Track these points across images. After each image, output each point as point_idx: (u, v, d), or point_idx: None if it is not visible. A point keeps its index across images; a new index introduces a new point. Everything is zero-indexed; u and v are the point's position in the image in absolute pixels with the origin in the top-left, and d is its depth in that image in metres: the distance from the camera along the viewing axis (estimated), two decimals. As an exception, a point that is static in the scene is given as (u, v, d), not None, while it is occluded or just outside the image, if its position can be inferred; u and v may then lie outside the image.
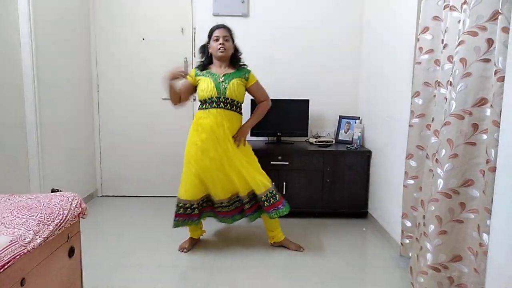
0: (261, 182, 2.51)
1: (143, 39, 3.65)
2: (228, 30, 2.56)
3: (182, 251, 2.64)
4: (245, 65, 2.65)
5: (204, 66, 2.59)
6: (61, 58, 3.16)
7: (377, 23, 3.20)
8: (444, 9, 1.97)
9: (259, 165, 2.62)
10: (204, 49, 2.62)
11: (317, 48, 3.60)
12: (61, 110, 3.17)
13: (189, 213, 2.55)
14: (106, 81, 3.72)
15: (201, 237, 2.82)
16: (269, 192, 2.52)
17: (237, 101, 2.55)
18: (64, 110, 3.23)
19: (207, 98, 2.49)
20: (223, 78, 2.51)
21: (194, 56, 3.64)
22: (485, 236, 1.56)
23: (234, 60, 2.59)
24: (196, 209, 2.56)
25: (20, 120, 2.73)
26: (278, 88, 3.57)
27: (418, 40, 2.18)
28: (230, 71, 2.56)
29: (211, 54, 2.58)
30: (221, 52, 2.50)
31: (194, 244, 2.72)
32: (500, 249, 1.41)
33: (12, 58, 2.65)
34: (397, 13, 2.75)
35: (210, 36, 2.57)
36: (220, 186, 2.52)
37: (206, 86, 2.49)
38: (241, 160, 2.52)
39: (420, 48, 2.15)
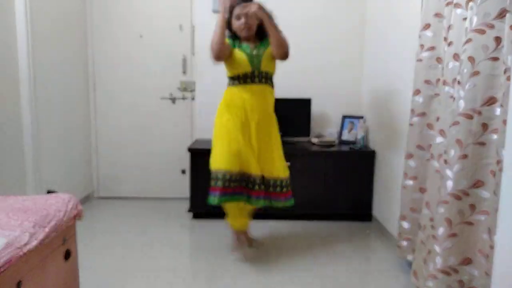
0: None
1: (141, 36, 3.59)
2: (258, 4, 2.30)
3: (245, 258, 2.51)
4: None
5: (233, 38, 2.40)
6: (57, 58, 3.11)
7: (379, 21, 3.18)
8: (446, 5, 1.95)
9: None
10: (229, 24, 2.37)
11: (319, 47, 3.56)
12: (57, 110, 3.13)
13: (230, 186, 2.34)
14: (103, 80, 3.67)
15: (201, 239, 2.78)
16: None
17: (271, 74, 2.42)
18: (60, 110, 3.18)
19: (241, 74, 2.34)
20: (256, 51, 2.35)
21: (193, 54, 3.60)
22: (495, 238, 1.53)
23: (260, 35, 2.39)
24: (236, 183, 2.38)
25: (16, 120, 2.69)
26: (279, 87, 3.51)
27: (419, 37, 2.15)
28: (258, 43, 2.38)
29: (234, 33, 2.39)
30: (245, 31, 2.32)
31: (250, 242, 2.63)
32: (506, 251, 1.39)
33: (8, 57, 2.60)
34: (400, 10, 2.72)
35: (231, 13, 2.34)
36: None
37: (240, 58, 2.32)
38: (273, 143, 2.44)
39: (421, 46, 2.12)
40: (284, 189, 2.43)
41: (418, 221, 2.14)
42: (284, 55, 2.37)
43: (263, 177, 2.41)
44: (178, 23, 3.57)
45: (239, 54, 2.33)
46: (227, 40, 2.35)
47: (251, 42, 2.39)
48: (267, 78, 2.39)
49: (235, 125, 2.36)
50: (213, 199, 2.35)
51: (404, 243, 2.31)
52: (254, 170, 2.37)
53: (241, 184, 2.40)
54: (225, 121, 2.39)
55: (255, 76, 2.35)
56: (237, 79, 2.37)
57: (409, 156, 2.24)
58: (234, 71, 2.37)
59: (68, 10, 3.28)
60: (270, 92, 2.45)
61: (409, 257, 2.27)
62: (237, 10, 2.31)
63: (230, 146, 2.34)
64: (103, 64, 3.64)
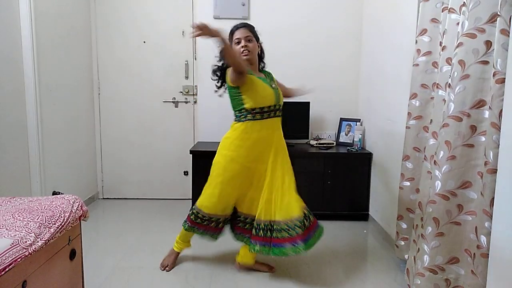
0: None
1: (144, 42, 3.66)
2: (250, 28, 2.24)
3: (164, 269, 2.44)
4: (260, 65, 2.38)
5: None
6: (62, 61, 3.18)
7: (377, 25, 3.21)
8: (442, 11, 1.99)
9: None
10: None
11: (317, 51, 3.61)
12: (62, 113, 3.19)
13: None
14: (107, 84, 3.74)
15: (202, 240, 2.81)
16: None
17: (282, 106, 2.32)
18: (65, 113, 3.25)
19: (265, 107, 2.18)
20: (271, 83, 2.25)
21: (195, 59, 3.66)
22: (483, 238, 1.56)
23: (259, 61, 2.31)
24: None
25: (21, 123, 2.74)
26: (278, 90, 3.59)
27: (416, 42, 2.18)
28: (262, 75, 2.29)
29: None
30: (246, 55, 2.18)
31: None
32: (501, 252, 1.41)
33: (13, 61, 2.66)
34: (397, 15, 2.75)
35: (231, 39, 2.23)
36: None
37: (264, 92, 2.17)
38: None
39: (418, 50, 2.16)
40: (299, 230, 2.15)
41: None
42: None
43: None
44: (181, 29, 3.64)
45: (263, 86, 2.19)
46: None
47: (256, 71, 2.27)
48: (280, 111, 2.29)
49: (247, 172, 2.25)
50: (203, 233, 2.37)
51: (402, 242, 2.35)
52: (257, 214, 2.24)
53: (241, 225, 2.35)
54: (233, 167, 2.24)
55: (276, 110, 2.24)
56: (260, 113, 2.18)
57: (406, 157, 2.28)
58: (256, 102, 2.17)
59: (73, 15, 3.35)
60: (280, 123, 2.32)
61: (406, 256, 2.30)
62: (236, 35, 2.21)
63: (232, 194, 2.27)
64: (107, 69, 3.71)
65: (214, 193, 2.28)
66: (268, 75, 2.36)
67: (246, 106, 2.18)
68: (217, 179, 2.28)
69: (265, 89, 2.18)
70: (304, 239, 2.13)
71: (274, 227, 2.19)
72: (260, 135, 2.20)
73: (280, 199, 2.21)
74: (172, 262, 2.46)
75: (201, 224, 2.33)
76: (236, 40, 2.20)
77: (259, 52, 2.31)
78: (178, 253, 2.52)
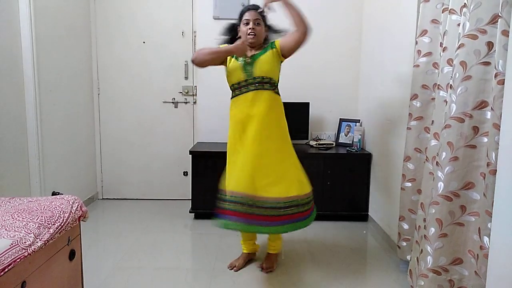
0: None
1: (144, 42, 3.66)
2: (260, 11, 2.25)
3: (232, 269, 2.42)
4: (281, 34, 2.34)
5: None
6: (62, 61, 3.17)
7: (376, 26, 3.21)
8: (443, 12, 1.98)
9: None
10: (233, 29, 2.33)
11: (317, 51, 3.60)
12: (61, 113, 3.18)
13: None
14: (106, 84, 3.73)
15: (202, 240, 2.82)
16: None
17: (269, 78, 2.22)
18: (65, 113, 3.24)
19: (235, 84, 2.24)
20: (250, 59, 2.22)
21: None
22: (486, 239, 1.56)
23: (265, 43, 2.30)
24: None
25: (21, 123, 2.73)
26: (280, 91, 3.58)
27: (416, 43, 2.18)
28: (259, 50, 2.27)
29: (239, 37, 2.28)
30: (251, 37, 2.20)
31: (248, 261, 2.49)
32: (501, 252, 1.41)
33: (13, 61, 2.65)
34: (397, 16, 2.75)
35: (240, 19, 2.27)
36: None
37: (232, 67, 2.23)
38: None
39: (419, 51, 2.16)
40: (303, 208, 2.18)
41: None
42: (306, 30, 2.20)
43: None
44: (180, 30, 3.63)
45: (233, 63, 2.25)
46: (225, 45, 2.26)
47: (254, 50, 2.27)
48: (263, 83, 2.21)
49: (233, 146, 2.25)
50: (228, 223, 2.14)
51: (404, 243, 2.35)
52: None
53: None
54: (228, 144, 2.30)
55: (253, 83, 2.21)
56: (233, 90, 2.28)
57: (408, 158, 2.27)
58: (228, 80, 2.30)
59: (73, 15, 3.34)
60: (268, 96, 2.22)
61: (408, 257, 2.30)
62: (245, 16, 2.24)
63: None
64: (107, 69, 3.70)
65: (225, 171, 2.28)
66: (264, 49, 2.27)
67: (228, 84, 2.32)
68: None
69: (233, 67, 2.24)
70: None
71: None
72: (239, 110, 2.23)
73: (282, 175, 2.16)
74: (240, 263, 2.45)
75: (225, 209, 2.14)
76: (245, 21, 2.23)
77: (266, 36, 2.31)
78: (247, 253, 2.49)
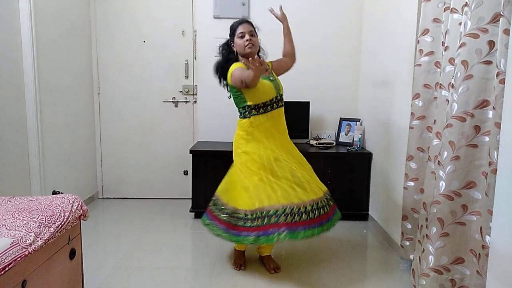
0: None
1: (144, 41, 3.65)
2: (252, 24, 2.34)
3: (239, 269, 2.41)
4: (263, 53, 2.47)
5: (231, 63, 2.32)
6: (62, 60, 3.17)
7: (377, 25, 3.20)
8: (444, 11, 1.98)
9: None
10: (227, 47, 2.37)
11: (317, 50, 3.60)
12: (62, 113, 3.18)
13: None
14: (107, 84, 3.72)
15: (202, 239, 2.81)
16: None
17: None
18: (65, 112, 3.23)
19: (267, 101, 2.26)
20: (271, 76, 2.33)
21: (195, 59, 3.65)
22: (487, 238, 1.56)
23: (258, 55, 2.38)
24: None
25: (21, 122, 2.73)
26: (278, 90, 3.58)
27: (418, 42, 2.18)
28: None
29: (237, 52, 2.34)
30: (250, 48, 2.26)
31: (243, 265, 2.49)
32: (501, 251, 1.41)
33: (13, 61, 2.65)
34: (397, 15, 2.75)
35: (233, 34, 2.33)
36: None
37: (267, 86, 2.26)
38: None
39: (420, 50, 2.16)
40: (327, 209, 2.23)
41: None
42: (295, 61, 2.51)
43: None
44: (181, 29, 3.63)
45: (262, 82, 2.24)
46: (242, 63, 2.29)
47: None
48: (282, 100, 2.37)
49: (267, 159, 2.24)
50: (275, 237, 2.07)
51: (407, 243, 2.35)
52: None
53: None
54: (261, 151, 2.26)
55: (278, 101, 2.32)
56: (261, 107, 2.27)
57: (410, 158, 2.27)
58: (259, 99, 2.25)
59: (73, 14, 3.34)
60: (283, 112, 2.40)
61: (412, 257, 2.29)
62: (239, 29, 2.29)
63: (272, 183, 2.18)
64: (107, 68, 3.70)
65: (247, 188, 2.22)
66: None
67: (249, 103, 2.28)
68: (248, 174, 2.25)
69: (264, 85, 2.25)
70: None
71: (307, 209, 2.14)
72: (265, 126, 2.28)
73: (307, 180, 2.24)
74: (244, 261, 2.45)
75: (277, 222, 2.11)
76: (240, 34, 2.29)
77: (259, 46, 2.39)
78: (243, 251, 2.48)
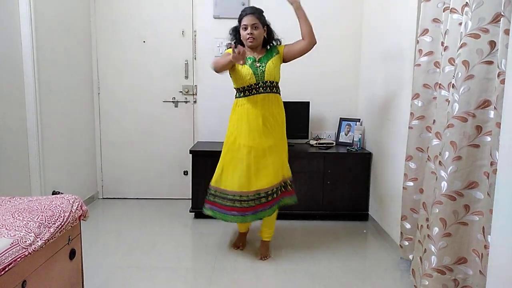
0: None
1: (144, 41, 3.65)
2: (258, 15, 2.39)
3: (239, 249, 2.67)
4: (277, 40, 2.54)
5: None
6: (62, 61, 3.16)
7: (376, 25, 3.21)
8: (444, 11, 1.98)
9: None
10: (235, 32, 2.49)
11: (317, 50, 3.56)
12: (62, 113, 3.17)
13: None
14: (106, 84, 3.72)
15: (202, 239, 2.81)
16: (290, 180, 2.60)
17: (276, 82, 2.47)
18: (65, 112, 3.23)
19: (246, 86, 2.42)
20: (259, 63, 2.42)
21: (195, 59, 3.65)
22: (490, 238, 1.55)
23: (265, 44, 2.50)
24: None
25: (21, 122, 2.72)
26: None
27: (417, 42, 2.18)
28: (263, 53, 2.47)
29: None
30: (251, 42, 2.39)
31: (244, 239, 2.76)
32: (501, 250, 1.41)
33: (13, 62, 2.64)
34: (396, 15, 2.75)
35: (239, 22, 2.43)
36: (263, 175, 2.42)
37: (244, 72, 2.39)
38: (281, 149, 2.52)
39: (420, 50, 2.16)
40: (289, 188, 2.59)
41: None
42: (314, 42, 2.51)
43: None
44: (181, 29, 3.62)
45: (244, 68, 2.39)
46: (230, 51, 2.33)
47: (256, 53, 2.46)
48: (271, 87, 2.44)
49: (245, 142, 2.40)
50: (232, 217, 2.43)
51: (406, 243, 2.34)
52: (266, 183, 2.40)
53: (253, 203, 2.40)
54: (235, 140, 2.44)
55: (263, 87, 2.42)
56: (242, 91, 2.44)
57: (409, 158, 2.27)
58: (239, 83, 2.44)
59: (73, 15, 3.33)
60: (275, 98, 2.47)
61: (411, 257, 2.29)
62: (243, 21, 2.38)
63: (242, 167, 2.39)
64: (107, 69, 3.69)
65: (218, 166, 2.52)
66: (272, 50, 2.49)
67: (234, 86, 2.51)
68: (222, 153, 2.52)
69: (241, 71, 2.40)
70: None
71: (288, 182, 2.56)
72: (246, 109, 2.42)
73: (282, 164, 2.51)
74: (243, 242, 2.71)
75: (213, 201, 2.50)
76: (244, 26, 2.39)
77: (265, 35, 2.46)
78: (244, 232, 2.74)
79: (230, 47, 2.34)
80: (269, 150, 2.42)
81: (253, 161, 2.39)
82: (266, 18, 2.48)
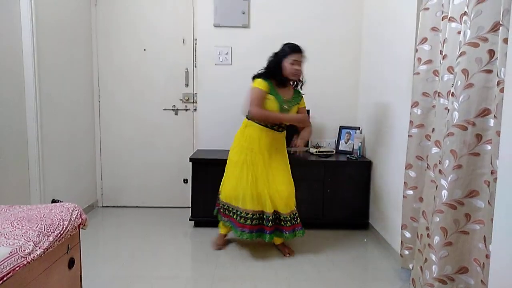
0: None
1: (145, 49, 3.66)
2: (304, 54, 2.59)
3: (218, 249, 2.80)
4: (298, 84, 2.71)
5: (271, 79, 2.59)
6: (63, 69, 3.17)
7: (376, 34, 3.22)
8: (442, 20, 1.99)
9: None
10: (276, 63, 2.59)
11: (317, 59, 3.61)
12: (62, 121, 3.17)
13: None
14: (107, 92, 3.73)
15: (202, 248, 2.81)
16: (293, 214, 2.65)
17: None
18: (65, 120, 3.23)
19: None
20: (286, 105, 2.61)
21: (195, 67, 3.66)
22: (491, 247, 1.54)
23: (297, 82, 2.67)
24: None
25: (21, 130, 2.72)
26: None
27: (417, 50, 2.19)
28: (291, 94, 2.65)
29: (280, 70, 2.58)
30: (296, 77, 2.59)
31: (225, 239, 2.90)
32: (502, 260, 1.40)
33: (14, 70, 2.65)
34: (396, 23, 2.77)
35: (284, 55, 2.56)
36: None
37: (271, 108, 2.56)
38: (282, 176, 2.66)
39: (419, 59, 2.17)
40: (297, 220, 2.68)
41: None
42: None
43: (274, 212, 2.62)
44: (181, 37, 3.64)
45: (273, 103, 2.56)
46: (267, 83, 2.55)
47: (287, 91, 2.64)
48: (283, 127, 2.67)
49: (252, 164, 2.60)
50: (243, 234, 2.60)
51: (406, 252, 2.33)
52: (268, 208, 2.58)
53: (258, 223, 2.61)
54: (243, 159, 2.62)
55: (279, 126, 2.63)
56: (264, 121, 2.60)
57: (409, 166, 2.27)
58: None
59: (74, 23, 3.35)
60: (284, 136, 2.72)
61: (411, 266, 2.28)
62: (294, 56, 2.53)
63: (251, 186, 2.59)
64: (107, 77, 3.70)
65: (240, 188, 2.64)
66: (297, 96, 2.69)
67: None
68: (234, 171, 2.68)
69: (273, 107, 2.55)
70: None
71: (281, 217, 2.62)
72: (256, 136, 2.60)
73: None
74: (222, 242, 2.85)
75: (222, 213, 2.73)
76: (293, 61, 2.54)
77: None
78: (224, 234, 2.86)
79: (259, 77, 2.58)
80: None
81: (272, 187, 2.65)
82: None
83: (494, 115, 1.58)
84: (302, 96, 2.73)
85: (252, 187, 2.55)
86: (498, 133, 1.53)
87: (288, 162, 2.75)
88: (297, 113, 2.70)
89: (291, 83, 2.66)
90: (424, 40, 2.13)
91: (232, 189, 2.62)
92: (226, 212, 2.71)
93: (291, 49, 2.54)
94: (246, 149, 2.61)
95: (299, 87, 2.72)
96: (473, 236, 1.72)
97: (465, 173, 1.70)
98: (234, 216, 2.63)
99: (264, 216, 2.58)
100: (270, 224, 2.55)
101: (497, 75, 1.56)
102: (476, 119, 1.68)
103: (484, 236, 1.62)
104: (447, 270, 1.77)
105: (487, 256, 1.58)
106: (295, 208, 2.66)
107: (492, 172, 1.56)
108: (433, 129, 1.98)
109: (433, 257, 1.81)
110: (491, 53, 1.64)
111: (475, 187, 1.70)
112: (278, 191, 2.58)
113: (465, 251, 1.74)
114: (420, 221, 2.03)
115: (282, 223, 2.60)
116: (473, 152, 1.69)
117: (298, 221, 2.64)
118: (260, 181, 2.57)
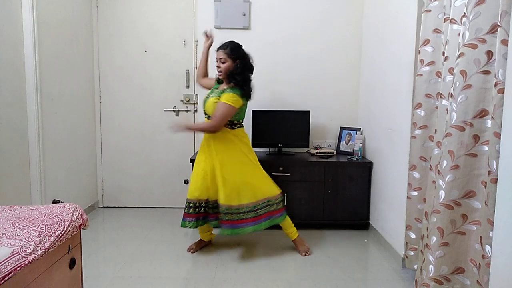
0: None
1: (146, 51, 3.68)
2: (228, 50, 2.55)
3: (189, 252, 2.80)
4: (239, 83, 2.55)
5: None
6: (64, 70, 3.19)
7: (377, 35, 3.23)
8: (444, 22, 2.00)
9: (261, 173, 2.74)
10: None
11: (318, 60, 3.63)
12: (63, 122, 3.19)
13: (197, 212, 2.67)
14: (108, 93, 3.75)
15: (203, 249, 2.81)
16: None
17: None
18: (66, 121, 3.25)
19: (243, 118, 2.73)
20: (208, 94, 2.69)
21: (196, 68, 3.67)
22: (487, 248, 1.55)
23: (229, 78, 2.57)
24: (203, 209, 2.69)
25: (22, 131, 2.74)
26: (279, 99, 3.60)
27: (419, 52, 2.19)
28: (223, 88, 2.62)
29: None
30: (218, 73, 2.62)
31: (202, 246, 2.88)
32: (503, 261, 1.40)
33: (15, 70, 2.67)
34: (397, 25, 2.77)
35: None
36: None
37: (243, 108, 2.65)
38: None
39: (421, 60, 2.17)
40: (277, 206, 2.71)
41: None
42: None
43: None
44: (182, 39, 3.66)
45: (244, 106, 2.63)
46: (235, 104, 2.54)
47: (223, 87, 2.64)
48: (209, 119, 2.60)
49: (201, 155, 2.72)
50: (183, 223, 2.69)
51: (411, 253, 2.33)
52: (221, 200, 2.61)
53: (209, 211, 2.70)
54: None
55: (207, 117, 2.66)
56: (238, 123, 2.68)
57: (413, 167, 2.27)
58: (240, 117, 2.67)
59: (75, 24, 3.36)
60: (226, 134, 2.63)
61: (415, 267, 2.29)
62: (216, 54, 2.61)
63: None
64: (109, 78, 3.72)
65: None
66: (221, 91, 2.59)
67: (237, 119, 2.65)
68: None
69: (244, 107, 2.63)
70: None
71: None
72: (246, 138, 2.74)
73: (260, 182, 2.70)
74: (196, 246, 2.85)
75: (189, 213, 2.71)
76: (216, 58, 2.61)
77: (233, 70, 2.56)
78: (204, 241, 2.89)
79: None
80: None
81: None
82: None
83: (492, 116, 1.58)
84: (228, 93, 2.50)
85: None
86: (496, 134, 1.53)
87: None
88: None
89: (227, 80, 2.59)
90: (427, 42, 2.14)
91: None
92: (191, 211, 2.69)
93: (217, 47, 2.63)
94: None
95: (232, 83, 2.57)
96: (469, 236, 1.72)
97: (462, 174, 1.71)
98: (203, 210, 2.69)
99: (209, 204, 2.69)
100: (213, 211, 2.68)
101: (495, 76, 1.57)
102: (474, 120, 1.69)
103: (481, 236, 1.63)
104: (443, 270, 1.78)
105: (484, 257, 1.59)
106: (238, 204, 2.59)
107: (489, 173, 1.57)
108: (436, 130, 1.98)
109: (430, 257, 1.81)
110: (489, 54, 1.65)
111: (472, 187, 1.71)
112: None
113: (462, 251, 1.75)
114: (423, 222, 2.04)
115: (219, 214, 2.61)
116: (471, 152, 1.70)
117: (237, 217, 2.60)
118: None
